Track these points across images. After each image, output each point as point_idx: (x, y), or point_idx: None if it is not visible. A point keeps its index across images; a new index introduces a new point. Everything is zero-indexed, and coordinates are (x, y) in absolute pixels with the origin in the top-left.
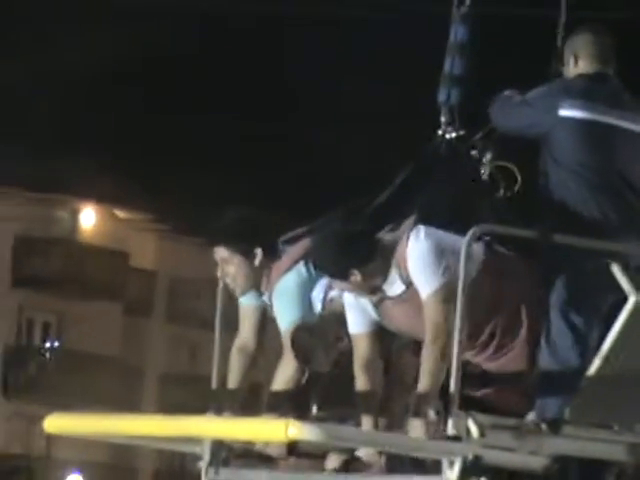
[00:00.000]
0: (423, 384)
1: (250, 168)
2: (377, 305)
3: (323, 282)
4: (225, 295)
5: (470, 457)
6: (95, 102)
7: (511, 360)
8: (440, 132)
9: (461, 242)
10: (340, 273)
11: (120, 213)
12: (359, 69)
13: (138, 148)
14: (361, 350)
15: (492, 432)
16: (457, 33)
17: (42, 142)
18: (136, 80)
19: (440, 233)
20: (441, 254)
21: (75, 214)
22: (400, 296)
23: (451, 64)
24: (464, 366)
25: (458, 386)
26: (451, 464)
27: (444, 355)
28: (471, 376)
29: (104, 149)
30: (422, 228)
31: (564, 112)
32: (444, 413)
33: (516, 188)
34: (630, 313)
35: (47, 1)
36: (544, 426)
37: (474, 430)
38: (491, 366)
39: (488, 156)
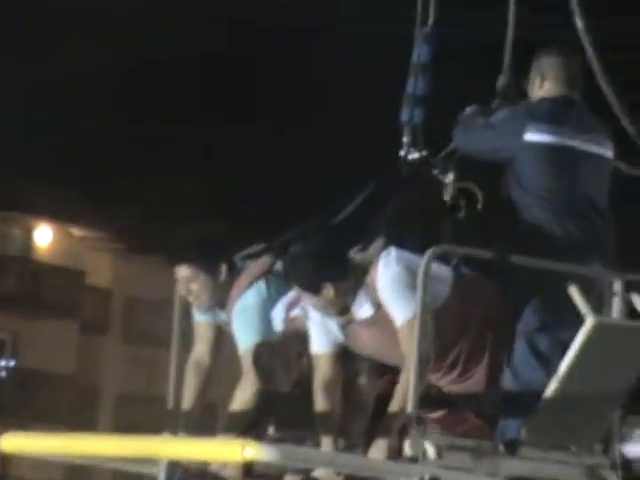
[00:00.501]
0: (397, 405)
1: (203, 185)
2: (344, 326)
3: (284, 300)
4: (182, 314)
5: (427, 478)
6: (49, 120)
7: (474, 383)
8: (402, 152)
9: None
10: (313, 287)
11: (76, 231)
12: (325, 83)
13: (94, 165)
14: (322, 370)
15: (449, 453)
16: (420, 53)
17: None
18: (88, 98)
19: (410, 256)
20: (413, 279)
21: (30, 232)
22: (368, 319)
23: (414, 84)
24: (427, 388)
25: (415, 407)
26: None
27: (421, 378)
28: (433, 398)
29: (59, 166)
30: (393, 252)
31: (529, 137)
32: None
33: (477, 209)
34: (586, 335)
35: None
36: (501, 447)
37: (431, 451)
38: (454, 389)
39: (450, 177)
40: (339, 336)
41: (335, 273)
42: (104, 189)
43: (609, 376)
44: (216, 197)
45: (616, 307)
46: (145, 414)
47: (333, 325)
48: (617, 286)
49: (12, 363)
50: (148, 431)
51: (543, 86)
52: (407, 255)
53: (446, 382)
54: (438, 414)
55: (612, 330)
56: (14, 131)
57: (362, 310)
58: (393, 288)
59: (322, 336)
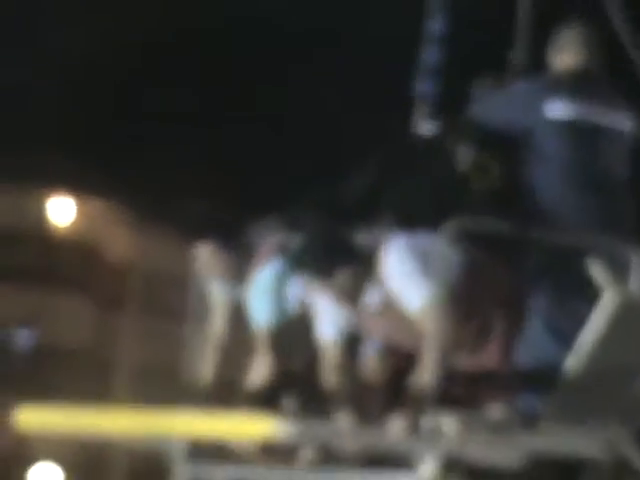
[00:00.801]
0: (422, 383)
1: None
2: (354, 313)
3: (299, 283)
4: (199, 288)
5: (445, 453)
6: (67, 98)
7: (486, 359)
8: (415, 125)
9: (439, 243)
10: (325, 272)
11: (92, 204)
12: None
13: (113, 135)
14: (330, 356)
15: (467, 428)
16: (434, 23)
17: (15, 132)
18: (105, 75)
19: (419, 240)
20: (423, 264)
21: (46, 205)
22: (378, 306)
23: (428, 55)
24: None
25: (434, 384)
26: (427, 460)
27: (440, 359)
28: (449, 375)
29: (75, 141)
30: (401, 239)
31: (550, 112)
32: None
33: (494, 183)
34: (608, 310)
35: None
36: (520, 423)
37: (450, 426)
38: (466, 365)
39: (465, 149)
40: (348, 322)
41: (344, 259)
42: (123, 160)
43: (630, 351)
44: (230, 172)
45: (636, 282)
46: (162, 388)
47: (341, 312)
48: (637, 260)
49: (29, 336)
50: (165, 404)
51: (563, 59)
52: (416, 240)
53: (459, 358)
54: (456, 391)
55: (634, 305)
56: (31, 106)
57: (371, 297)
58: (403, 277)
59: (329, 323)
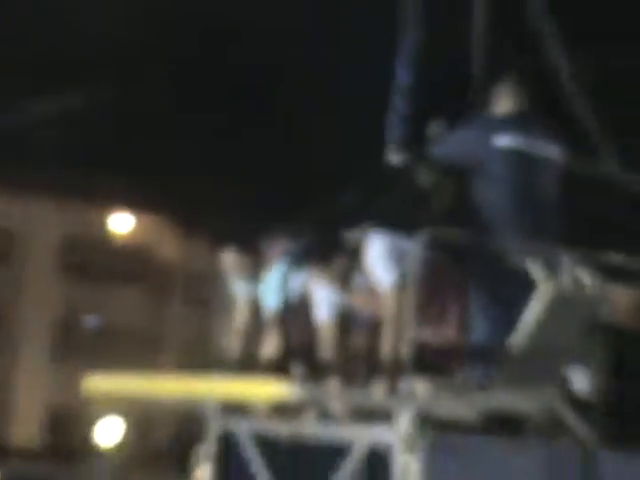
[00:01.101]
0: (387, 352)
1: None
2: (345, 292)
3: (300, 278)
4: (225, 283)
5: (418, 410)
6: (125, 132)
7: (450, 333)
8: (388, 156)
9: (406, 244)
10: (326, 260)
11: (145, 217)
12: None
13: (160, 169)
14: (325, 333)
15: (436, 390)
16: (402, 76)
17: (86, 162)
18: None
19: (390, 238)
20: (391, 256)
21: (111, 218)
22: (362, 286)
23: (398, 103)
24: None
25: (410, 355)
26: (403, 416)
27: (399, 331)
28: (422, 348)
29: (133, 169)
30: (378, 235)
31: (497, 143)
32: (398, 375)
33: (449, 201)
34: (543, 299)
35: None
36: (476, 386)
37: (422, 388)
38: (433, 338)
39: (427, 176)
40: (341, 302)
41: (340, 250)
42: (168, 184)
43: (560, 331)
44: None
45: (565, 277)
46: (199, 360)
47: (335, 295)
48: (566, 260)
49: (96, 320)
50: (201, 373)
51: (502, 105)
52: (387, 238)
53: (425, 333)
54: (427, 360)
55: (563, 296)
56: (100, 141)
57: (357, 280)
58: (378, 263)
59: (325, 307)
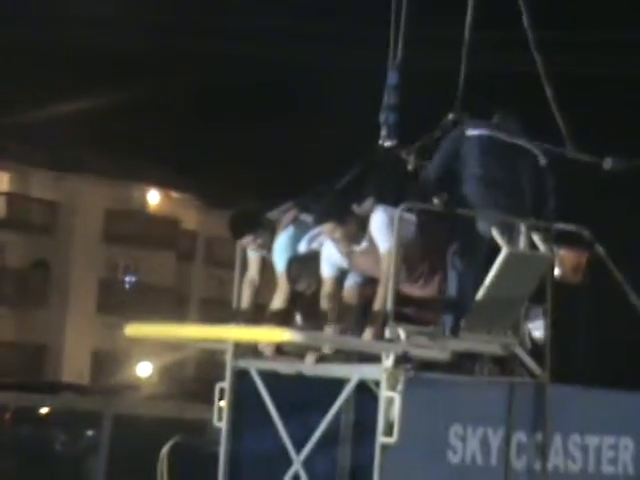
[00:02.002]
0: (378, 305)
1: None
2: (348, 255)
3: (307, 237)
4: (242, 248)
5: (399, 352)
6: (161, 125)
7: (432, 289)
8: (380, 142)
9: (403, 215)
10: (343, 219)
11: (173, 194)
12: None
13: (187, 152)
14: (327, 288)
15: (414, 336)
16: (392, 77)
17: (125, 147)
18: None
19: (389, 209)
20: (390, 225)
21: (145, 195)
22: (364, 249)
23: (388, 98)
24: (401, 295)
25: (393, 307)
26: (387, 357)
27: (389, 288)
28: (406, 301)
29: (165, 152)
30: (380, 206)
31: (469, 132)
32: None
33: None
34: (503, 260)
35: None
36: (447, 332)
37: (402, 335)
38: (419, 293)
39: (412, 157)
40: (343, 263)
41: (349, 212)
42: (193, 167)
43: (517, 285)
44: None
45: (522, 242)
46: (219, 312)
47: (338, 256)
48: (522, 228)
49: (133, 279)
50: (220, 322)
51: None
52: (388, 208)
53: (415, 289)
54: (410, 310)
55: (519, 256)
56: (137, 130)
57: (361, 245)
58: (380, 229)
59: (329, 266)
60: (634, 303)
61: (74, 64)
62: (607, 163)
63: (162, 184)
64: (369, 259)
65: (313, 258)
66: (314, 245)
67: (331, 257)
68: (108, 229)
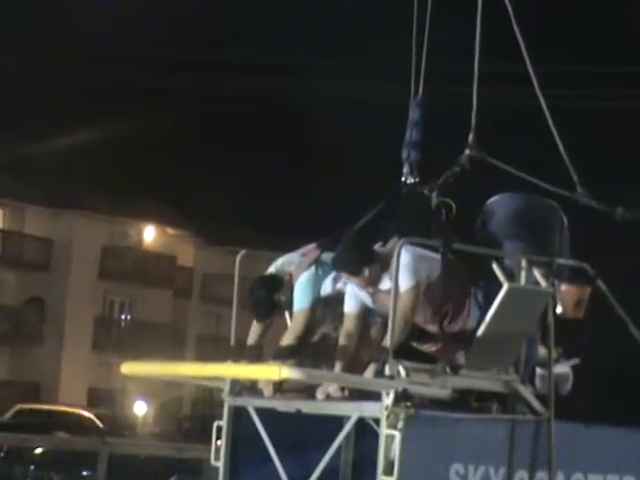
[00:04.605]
0: (385, 342)
1: (262, 198)
2: (373, 295)
3: (330, 277)
4: (240, 284)
5: (399, 389)
6: (155, 159)
7: (458, 328)
8: (403, 179)
9: (428, 253)
10: (355, 271)
11: (170, 230)
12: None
13: (183, 186)
14: (348, 324)
15: (415, 373)
16: (414, 113)
17: (120, 184)
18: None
19: (415, 249)
20: (414, 263)
21: (141, 231)
22: (388, 290)
23: (410, 134)
24: (425, 332)
25: (393, 344)
26: (387, 394)
27: (405, 328)
28: (429, 338)
29: (160, 188)
30: (404, 246)
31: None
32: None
33: (453, 215)
34: (504, 295)
35: None
36: (448, 369)
37: (402, 372)
38: (444, 332)
39: (435, 194)
40: (368, 302)
41: (368, 260)
42: (189, 202)
43: (517, 322)
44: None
45: (523, 277)
46: (215, 350)
47: (364, 294)
48: (523, 263)
49: (129, 317)
50: (217, 361)
51: None
52: (413, 248)
53: (439, 329)
54: (435, 347)
55: (520, 292)
56: (131, 165)
57: (384, 284)
58: (402, 269)
59: (352, 301)
60: (636, 337)
61: (71, 97)
62: (619, 213)
63: (158, 220)
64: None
65: (339, 299)
66: (339, 285)
67: (357, 293)
68: (104, 266)
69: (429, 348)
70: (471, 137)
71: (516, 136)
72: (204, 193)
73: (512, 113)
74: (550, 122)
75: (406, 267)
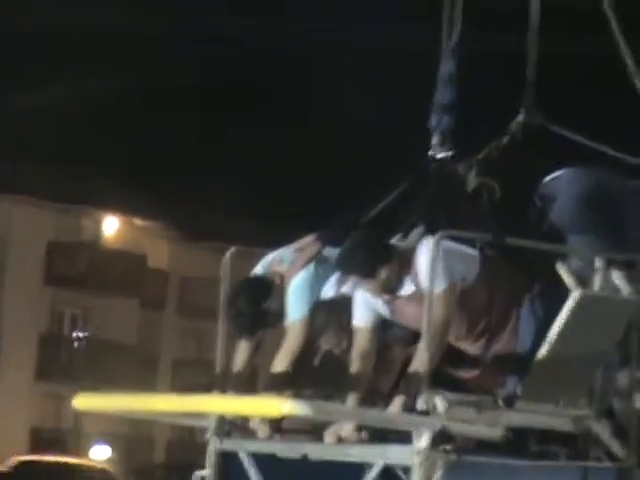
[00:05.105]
0: (415, 366)
1: (248, 183)
2: (390, 303)
3: (333, 279)
4: (227, 291)
5: (437, 429)
6: (118, 127)
7: (502, 347)
8: (430, 153)
9: (461, 248)
10: (367, 274)
11: (138, 221)
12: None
13: (153, 164)
14: (362, 341)
15: (456, 407)
16: (446, 65)
17: (72, 161)
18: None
19: (446, 242)
20: (446, 261)
21: (99, 222)
22: (410, 295)
23: (441, 93)
24: (458, 352)
25: (428, 368)
26: (421, 435)
27: (441, 344)
28: (464, 360)
29: (123, 166)
30: (430, 239)
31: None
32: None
33: (496, 199)
34: (572, 305)
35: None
36: (500, 402)
37: (440, 405)
38: (483, 352)
39: (473, 173)
40: (382, 311)
41: (383, 260)
42: (162, 186)
43: (592, 340)
44: (255, 196)
45: (598, 281)
46: (197, 377)
47: (377, 302)
48: (598, 263)
49: (83, 334)
50: (200, 391)
51: None
52: (442, 242)
53: (477, 347)
54: (473, 374)
55: (595, 301)
56: (87, 137)
57: (405, 288)
58: (430, 268)
59: (365, 311)
60: None
61: (14, 53)
62: None
63: (122, 209)
64: (416, 307)
65: (345, 306)
66: (345, 289)
67: (369, 301)
68: (51, 268)
69: (465, 374)
70: (526, 98)
71: (585, 96)
72: (181, 174)
73: (579, 64)
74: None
75: (434, 265)
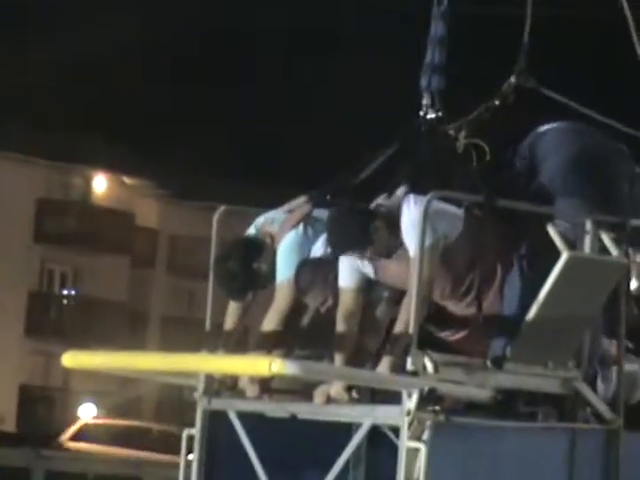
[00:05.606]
0: (400, 326)
1: (236, 142)
2: (373, 262)
3: (322, 239)
4: (218, 250)
5: (426, 389)
6: (106, 83)
7: (487, 307)
8: (421, 113)
9: (444, 207)
10: (364, 248)
11: (127, 180)
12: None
13: (143, 122)
14: (347, 302)
15: (445, 368)
16: (437, 28)
17: (62, 118)
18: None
19: (429, 201)
20: (429, 219)
21: (89, 180)
22: (396, 255)
23: (432, 55)
24: (443, 314)
25: (417, 328)
26: (410, 395)
27: (424, 302)
28: (450, 322)
29: (114, 124)
30: (412, 197)
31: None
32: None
33: (485, 160)
34: (562, 267)
35: None
36: (489, 363)
37: (429, 366)
38: (470, 312)
39: (463, 134)
40: (368, 271)
41: (370, 237)
42: (152, 144)
43: (580, 303)
44: (247, 153)
45: (587, 243)
46: (186, 335)
47: (362, 263)
48: (588, 225)
49: (73, 292)
50: (189, 349)
51: None
52: (422, 199)
53: (462, 307)
54: (458, 335)
55: (584, 263)
56: (77, 94)
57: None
58: (410, 227)
59: (350, 272)
60: None
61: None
62: None
63: (111, 166)
64: (401, 267)
65: (331, 265)
66: None
67: (354, 262)
68: (40, 226)
69: (451, 336)
70: (520, 60)
71: (575, 60)
72: (171, 131)
73: (571, 28)
74: (635, 38)
75: (417, 225)
